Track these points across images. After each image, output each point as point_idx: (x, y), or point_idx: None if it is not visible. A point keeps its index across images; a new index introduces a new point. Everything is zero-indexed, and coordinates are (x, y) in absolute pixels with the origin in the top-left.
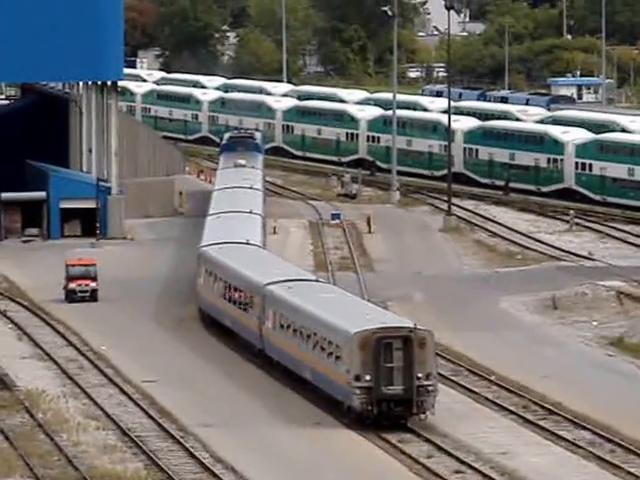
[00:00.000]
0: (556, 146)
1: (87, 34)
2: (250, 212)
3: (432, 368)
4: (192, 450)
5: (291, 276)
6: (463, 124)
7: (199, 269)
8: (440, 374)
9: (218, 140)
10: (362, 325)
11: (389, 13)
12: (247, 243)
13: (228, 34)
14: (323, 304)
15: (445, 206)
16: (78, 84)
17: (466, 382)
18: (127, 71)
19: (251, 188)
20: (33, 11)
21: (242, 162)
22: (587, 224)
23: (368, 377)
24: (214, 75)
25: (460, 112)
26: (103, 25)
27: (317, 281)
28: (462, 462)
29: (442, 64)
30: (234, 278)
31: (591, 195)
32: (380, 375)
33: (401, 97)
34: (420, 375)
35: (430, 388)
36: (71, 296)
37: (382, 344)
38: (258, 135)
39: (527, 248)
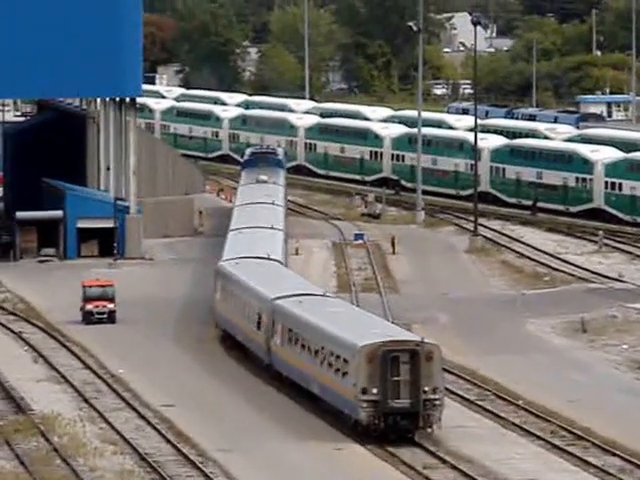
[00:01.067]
0: (585, 165)
1: (105, 49)
2: (271, 227)
3: (439, 382)
4: (211, 476)
5: (302, 291)
6: (490, 142)
7: (216, 284)
8: (466, 398)
9: (239, 158)
10: (369, 338)
11: (414, 28)
12: (268, 258)
13: (249, 50)
14: (331, 318)
15: (471, 226)
16: (96, 100)
17: (493, 407)
18: (146, 87)
19: (273, 204)
20: (50, 26)
21: (264, 178)
22: (616, 245)
23: (375, 390)
24: (235, 92)
25: (487, 130)
26: (122, 40)
27: (325, 296)
28: None
29: (468, 81)
30: (244, 292)
31: (621, 215)
32: (387, 388)
33: (426, 114)
34: (427, 389)
35: (437, 402)
36: (88, 318)
37: (389, 357)
38: (280, 151)
39: (555, 269)
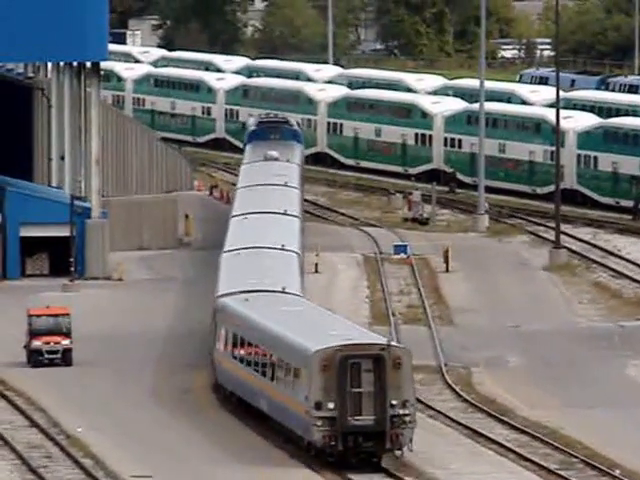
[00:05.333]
0: None
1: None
2: (285, 213)
3: (409, 394)
4: None
5: (257, 287)
6: (577, 122)
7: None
8: (544, 467)
9: (238, 142)
10: (324, 342)
11: None
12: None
13: None
14: (281, 319)
15: (552, 235)
16: (45, 66)
17: (581, 478)
18: (113, 48)
19: (286, 185)
20: None
21: (274, 154)
22: None
23: (331, 405)
24: (233, 54)
25: (573, 106)
26: None
27: (284, 292)
28: None
29: (548, 39)
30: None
31: None
32: (346, 402)
33: (491, 85)
34: (395, 402)
35: (407, 418)
36: (36, 358)
37: (348, 365)
38: (293, 122)
39: None
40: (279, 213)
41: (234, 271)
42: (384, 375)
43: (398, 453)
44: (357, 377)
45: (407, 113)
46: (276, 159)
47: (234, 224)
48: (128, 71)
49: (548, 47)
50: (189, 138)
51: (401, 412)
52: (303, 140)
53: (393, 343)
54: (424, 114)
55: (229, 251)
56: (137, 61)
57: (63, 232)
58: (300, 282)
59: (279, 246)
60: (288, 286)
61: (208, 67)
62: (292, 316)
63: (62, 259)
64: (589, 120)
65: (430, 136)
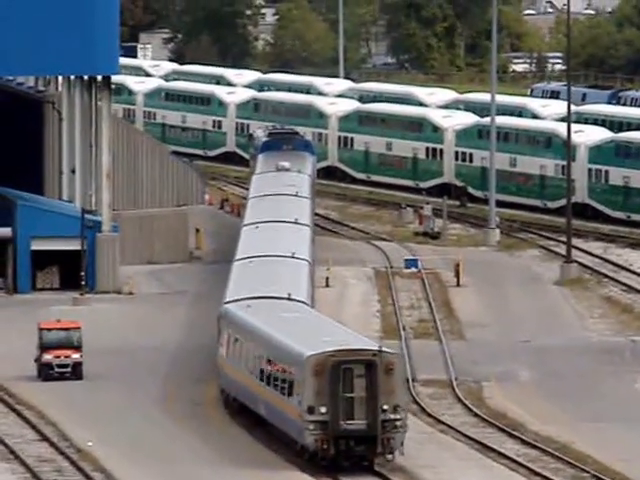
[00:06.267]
0: None
1: (69, 12)
2: (295, 221)
3: (401, 399)
4: None
5: (265, 294)
6: (588, 136)
7: None
8: None
9: (248, 155)
10: (317, 347)
11: None
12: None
13: (264, 10)
14: (279, 324)
15: (563, 250)
16: (56, 79)
17: None
18: (124, 61)
19: (296, 195)
20: None
21: (286, 165)
22: None
23: (323, 409)
24: (244, 68)
25: (584, 120)
26: (91, 0)
27: (289, 299)
28: None
29: (559, 53)
30: None
31: None
32: (338, 407)
33: (502, 99)
34: (386, 407)
35: (398, 423)
36: (46, 372)
37: (341, 370)
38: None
39: None
40: (290, 222)
41: (243, 278)
42: (376, 380)
43: (389, 457)
44: (349, 382)
45: (418, 127)
46: (287, 169)
47: (245, 233)
48: (139, 85)
49: (559, 61)
50: (200, 152)
51: (392, 417)
52: (315, 151)
53: (385, 349)
54: (435, 128)
55: (240, 259)
56: (148, 75)
57: (74, 246)
58: (307, 289)
59: (289, 254)
60: (294, 293)
61: (219, 81)
62: (289, 322)
63: (73, 273)
64: (600, 134)
65: (441, 150)
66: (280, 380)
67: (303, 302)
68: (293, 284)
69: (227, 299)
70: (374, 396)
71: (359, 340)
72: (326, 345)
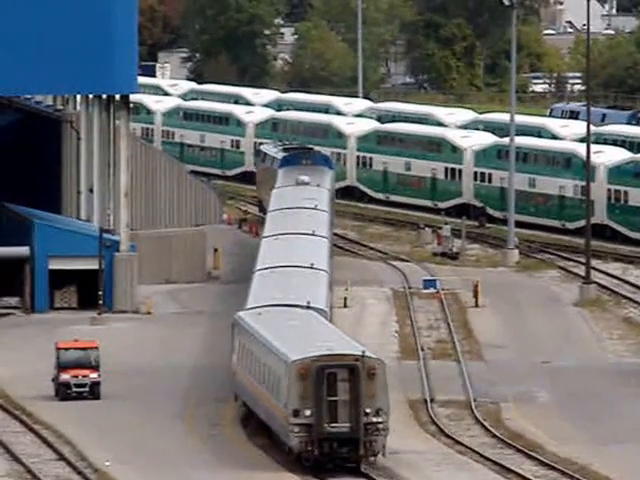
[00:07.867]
0: None
1: (87, 31)
2: (313, 233)
3: (383, 402)
4: None
5: (286, 301)
6: (608, 157)
7: None
8: None
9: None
10: (302, 352)
11: (505, 2)
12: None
13: (283, 30)
14: (280, 331)
15: (582, 271)
16: (75, 98)
17: None
18: (142, 80)
19: (316, 208)
20: (16, 3)
21: (305, 179)
22: None
23: (308, 412)
24: (263, 87)
25: (603, 141)
26: (110, 19)
27: (308, 307)
28: None
29: (579, 74)
30: None
31: None
32: (322, 410)
33: (522, 119)
34: (369, 410)
35: (380, 426)
36: (64, 391)
37: (324, 374)
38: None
39: None
40: (308, 234)
41: (262, 287)
42: (358, 384)
43: (372, 460)
44: (333, 386)
45: (437, 147)
46: (307, 184)
47: (265, 244)
48: (157, 104)
49: (579, 81)
50: (218, 171)
51: (374, 420)
52: (334, 166)
53: (367, 354)
54: (454, 148)
55: (260, 269)
56: (166, 94)
57: (91, 265)
58: (326, 297)
59: (308, 264)
60: (313, 301)
61: (237, 100)
62: (290, 328)
63: (90, 292)
64: (620, 155)
65: (460, 170)
66: (271, 384)
67: (321, 310)
68: (312, 293)
69: (247, 307)
70: (357, 399)
71: (345, 345)
72: (312, 350)
